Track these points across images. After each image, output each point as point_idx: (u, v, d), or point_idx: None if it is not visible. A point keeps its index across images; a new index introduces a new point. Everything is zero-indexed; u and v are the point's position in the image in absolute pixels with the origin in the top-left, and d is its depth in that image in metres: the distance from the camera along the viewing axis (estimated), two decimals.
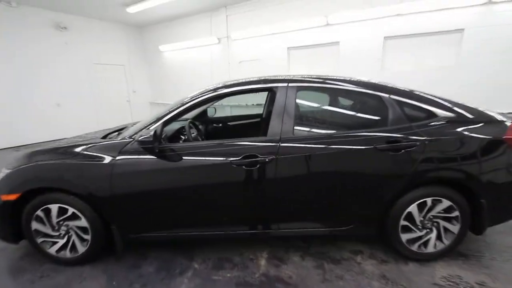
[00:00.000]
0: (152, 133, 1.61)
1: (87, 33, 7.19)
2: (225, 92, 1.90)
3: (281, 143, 1.72)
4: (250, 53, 6.49)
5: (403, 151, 1.69)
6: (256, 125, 3.22)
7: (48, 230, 1.89)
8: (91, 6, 6.35)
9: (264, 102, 3.32)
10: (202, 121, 3.26)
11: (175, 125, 2.38)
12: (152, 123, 1.82)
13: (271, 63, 6.08)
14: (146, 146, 1.69)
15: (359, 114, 1.94)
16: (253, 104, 6.18)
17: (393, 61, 4.95)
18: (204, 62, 7.40)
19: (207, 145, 1.82)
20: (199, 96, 1.90)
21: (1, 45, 5.77)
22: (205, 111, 3.37)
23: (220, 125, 3.35)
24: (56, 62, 6.66)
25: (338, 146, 1.71)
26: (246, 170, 1.71)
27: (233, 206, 1.85)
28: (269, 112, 3.26)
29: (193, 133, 2.40)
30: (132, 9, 6.29)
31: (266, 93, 3.16)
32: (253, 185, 1.76)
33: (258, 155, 1.70)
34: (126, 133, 1.94)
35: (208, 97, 1.90)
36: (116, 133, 2.27)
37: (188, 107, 1.87)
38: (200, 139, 2.27)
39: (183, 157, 1.75)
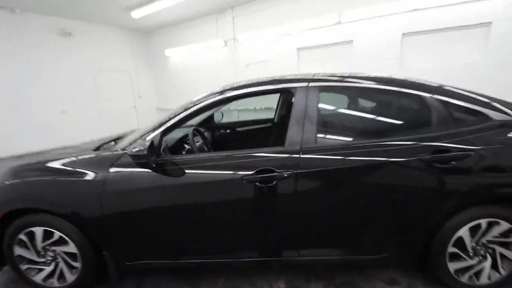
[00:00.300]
0: (147, 145, 1.35)
1: (92, 39, 7.08)
2: (233, 95, 1.63)
3: (302, 154, 1.44)
4: (258, 56, 6.24)
5: (453, 163, 1.38)
6: (267, 131, 2.94)
7: (33, 256, 1.65)
8: (95, 12, 6.23)
9: (275, 106, 3.04)
10: (209, 127, 3.00)
11: (178, 133, 2.12)
12: (150, 132, 1.56)
13: (280, 65, 5.81)
14: (139, 161, 1.42)
15: (394, 119, 1.62)
16: (262, 108, 5.92)
17: (412, 59, 4.61)
18: (210, 65, 7.19)
19: (214, 157, 1.55)
20: (204, 100, 1.63)
21: (5, 52, 5.68)
22: (211, 117, 3.12)
23: (228, 131, 3.09)
24: (61, 69, 6.55)
25: (372, 158, 1.41)
26: (261, 188, 1.43)
27: (244, 229, 1.56)
28: (281, 117, 2.99)
29: (198, 142, 2.13)
30: (136, 14, 6.14)
31: (276, 95, 2.90)
32: (269, 205, 1.48)
33: (274, 170, 1.42)
34: (121, 144, 1.69)
35: (214, 101, 1.63)
36: (113, 142, 2.03)
37: (191, 113, 1.60)
38: (206, 148, 2.01)
39: (186, 172, 1.48)
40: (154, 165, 1.42)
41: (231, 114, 6.13)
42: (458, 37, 4.23)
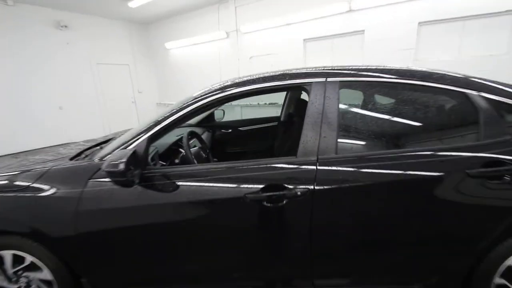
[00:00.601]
0: (124, 159, 1.07)
1: (89, 32, 6.80)
2: (236, 93, 1.34)
3: (319, 165, 1.16)
4: (262, 48, 5.91)
5: (507, 178, 1.10)
6: (273, 132, 2.67)
7: (3, 283, 1.42)
8: (92, 2, 5.94)
9: (280, 101, 2.76)
10: (208, 127, 2.74)
11: (171, 136, 1.87)
12: (133, 139, 1.29)
13: (285, 58, 5.48)
14: (117, 179, 1.16)
15: (435, 123, 1.32)
16: (266, 103, 5.63)
17: (429, 50, 4.26)
18: (212, 59, 6.88)
19: (210, 169, 1.28)
20: (201, 98, 1.35)
21: None
22: (211, 115, 2.85)
23: (230, 130, 2.82)
24: (57, 63, 6.30)
25: (408, 172, 1.13)
26: (268, 208, 1.16)
27: (247, 257, 1.31)
28: (289, 115, 2.72)
29: (194, 146, 1.86)
30: (133, 3, 5.84)
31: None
32: (278, 230, 1.22)
33: (285, 186, 1.15)
34: (102, 152, 1.43)
35: (214, 100, 1.35)
36: (99, 147, 1.77)
37: (185, 114, 1.33)
38: (203, 154, 1.74)
39: (177, 188, 1.22)
40: (137, 181, 1.16)
41: (233, 110, 5.84)
42: (482, 26, 3.86)
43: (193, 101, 1.36)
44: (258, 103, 5.78)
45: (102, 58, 7.11)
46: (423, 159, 1.14)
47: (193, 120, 2.67)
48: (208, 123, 2.74)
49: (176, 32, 7.36)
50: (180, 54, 7.68)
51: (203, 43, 6.89)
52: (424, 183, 1.13)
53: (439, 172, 1.12)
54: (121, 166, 1.05)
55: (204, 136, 2.52)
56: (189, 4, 6.37)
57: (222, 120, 2.90)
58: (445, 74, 1.28)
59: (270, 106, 5.49)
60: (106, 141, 1.87)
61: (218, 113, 2.84)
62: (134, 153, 1.14)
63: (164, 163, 1.62)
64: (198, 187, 1.21)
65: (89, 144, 1.87)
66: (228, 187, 1.19)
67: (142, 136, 1.27)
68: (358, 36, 4.71)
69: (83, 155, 1.60)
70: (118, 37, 7.45)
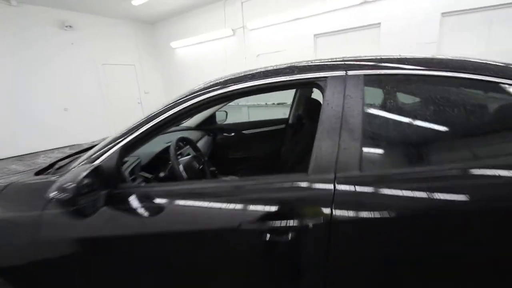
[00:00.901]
0: (73, 183, 0.81)
1: (94, 32, 6.69)
2: (235, 90, 1.05)
3: (338, 186, 0.87)
4: (269, 45, 5.62)
5: None
6: (281, 135, 2.39)
7: None
8: (96, 2, 5.81)
9: (290, 102, 2.48)
10: (209, 130, 2.48)
11: (160, 143, 1.61)
12: (100, 151, 1.03)
13: (294, 55, 5.18)
14: (65, 210, 0.90)
15: (493, 130, 0.96)
16: (274, 103, 5.34)
17: (453, 44, 3.87)
18: (218, 58, 6.64)
19: (195, 189, 1.01)
20: (192, 97, 1.09)
21: (1, 47, 5.38)
22: (212, 116, 2.60)
23: (233, 134, 2.56)
24: (62, 64, 6.21)
25: (464, 198, 0.82)
26: (271, 244, 0.88)
27: None
28: (298, 117, 2.42)
29: (188, 155, 1.60)
30: (136, 1, 5.67)
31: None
32: (282, 271, 0.94)
33: (292, 214, 0.87)
34: (74, 165, 1.18)
35: (206, 99, 1.07)
36: (77, 156, 1.54)
37: (169, 118, 1.07)
38: (197, 164, 1.47)
39: (152, 213, 0.96)
40: (101, 204, 0.91)
41: (240, 110, 5.58)
42: None
43: (179, 100, 1.10)
44: (266, 103, 5.51)
45: (107, 58, 7.00)
46: (483, 180, 0.82)
47: (192, 123, 2.42)
48: (209, 125, 2.48)
49: (181, 31, 7.17)
50: (185, 53, 7.48)
51: (208, 41, 6.66)
52: (493, 212, 0.80)
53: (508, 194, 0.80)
54: (70, 193, 0.79)
55: (203, 141, 2.26)
56: (194, 1, 6.15)
57: (224, 123, 2.63)
58: (506, 65, 0.96)
59: (279, 106, 5.20)
60: (88, 148, 1.63)
61: (220, 115, 2.58)
62: (97, 170, 0.89)
63: (150, 176, 1.36)
64: (178, 212, 0.95)
65: (70, 152, 1.64)
66: (218, 213, 0.92)
67: (112, 147, 1.01)
68: (373, 30, 4.35)
69: (56, 166, 1.37)
70: (123, 37, 7.32)
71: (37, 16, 5.78)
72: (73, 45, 6.39)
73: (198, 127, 2.41)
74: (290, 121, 2.41)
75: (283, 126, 2.47)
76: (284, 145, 2.36)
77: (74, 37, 6.36)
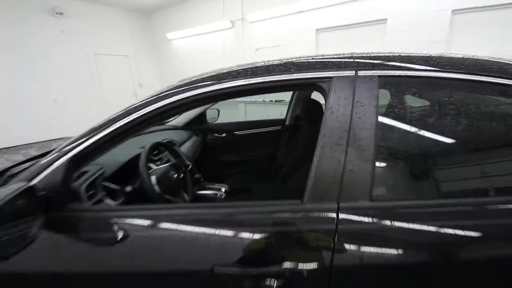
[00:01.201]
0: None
1: (86, 20, 6.39)
2: (223, 89, 0.83)
3: (340, 218, 0.67)
4: (269, 39, 5.37)
5: None
6: (276, 137, 2.19)
7: None
8: None
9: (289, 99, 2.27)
10: (198, 130, 2.27)
11: (133, 147, 1.40)
12: (45, 163, 0.81)
13: (295, 50, 4.94)
14: None
15: None
16: (272, 100, 5.11)
17: (463, 43, 3.65)
18: (215, 50, 6.39)
19: (167, 216, 0.79)
20: (170, 93, 0.88)
21: None
22: (203, 115, 2.39)
23: (224, 135, 2.35)
24: (52, 53, 5.92)
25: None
26: None
27: None
28: (296, 119, 2.21)
29: (168, 162, 1.38)
30: None
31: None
32: None
33: (283, 256, 0.67)
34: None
35: (185, 100, 0.87)
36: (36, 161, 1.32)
37: (137, 121, 0.87)
38: (175, 174, 1.24)
39: (109, 243, 0.76)
40: (35, 230, 0.70)
41: (236, 107, 5.35)
42: None
43: (155, 98, 0.90)
44: (264, 100, 5.28)
45: (100, 48, 6.71)
46: None
47: (179, 122, 2.20)
48: (198, 125, 2.27)
49: (178, 21, 6.89)
50: (182, 45, 7.21)
51: (206, 33, 6.40)
52: None
53: None
54: None
55: (191, 142, 2.05)
56: None
57: (215, 122, 2.42)
58: None
59: (277, 104, 4.98)
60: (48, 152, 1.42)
61: (210, 114, 2.37)
62: (31, 190, 0.68)
63: (118, 188, 1.15)
64: (138, 245, 0.74)
65: (32, 155, 1.43)
66: (184, 245, 0.72)
67: (56, 160, 0.79)
68: (379, 26, 4.12)
69: (8, 174, 1.16)
70: (117, 26, 7.02)
71: (24, 2, 5.47)
72: (64, 33, 6.10)
73: (185, 126, 2.19)
74: (287, 123, 2.20)
75: (279, 127, 2.27)
76: (280, 148, 2.16)
77: (65, 25, 6.07)
